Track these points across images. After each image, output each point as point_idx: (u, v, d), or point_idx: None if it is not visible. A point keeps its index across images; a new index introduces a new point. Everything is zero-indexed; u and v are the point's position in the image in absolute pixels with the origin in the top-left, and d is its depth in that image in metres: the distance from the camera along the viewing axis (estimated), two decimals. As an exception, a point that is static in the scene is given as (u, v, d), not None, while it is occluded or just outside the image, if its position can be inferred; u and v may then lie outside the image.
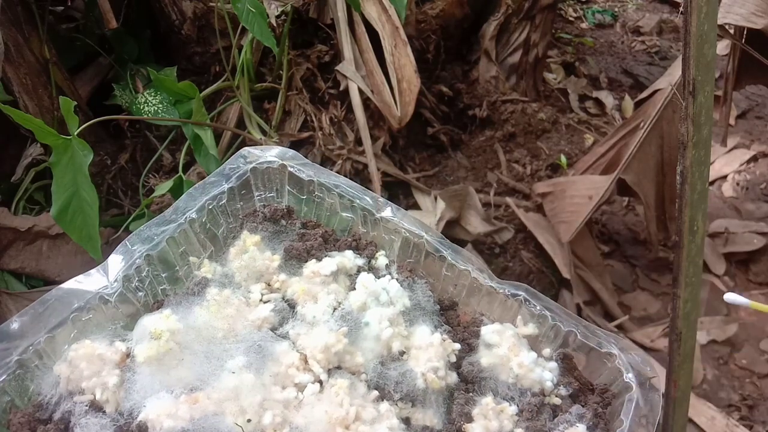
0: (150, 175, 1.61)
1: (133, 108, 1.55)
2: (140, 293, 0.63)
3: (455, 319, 0.67)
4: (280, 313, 0.62)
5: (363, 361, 0.60)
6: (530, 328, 0.64)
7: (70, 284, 0.60)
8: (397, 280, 0.65)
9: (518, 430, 0.57)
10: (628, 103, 2.32)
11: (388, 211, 0.70)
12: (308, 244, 0.68)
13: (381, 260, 0.69)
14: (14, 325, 0.56)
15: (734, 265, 1.86)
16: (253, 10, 1.28)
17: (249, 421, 0.53)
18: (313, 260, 0.67)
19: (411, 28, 1.81)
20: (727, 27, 1.39)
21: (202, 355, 0.57)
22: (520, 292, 0.65)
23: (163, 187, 1.41)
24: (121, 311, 0.62)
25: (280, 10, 1.61)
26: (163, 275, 0.65)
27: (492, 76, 2.05)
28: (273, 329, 0.61)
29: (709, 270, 1.81)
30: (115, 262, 0.62)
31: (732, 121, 2.26)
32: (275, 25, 1.60)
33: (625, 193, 1.78)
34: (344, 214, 0.72)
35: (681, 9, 0.79)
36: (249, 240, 0.67)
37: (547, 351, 0.64)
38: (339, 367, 0.59)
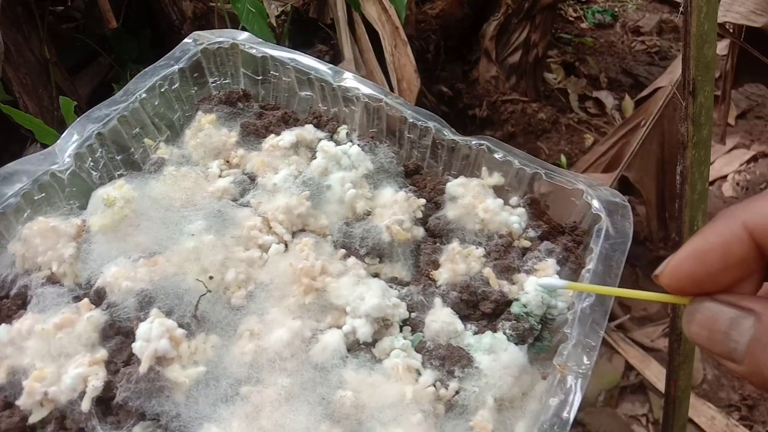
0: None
1: (133, 108, 1.55)
2: (95, 173, 0.61)
3: (421, 182, 0.66)
4: (241, 185, 0.61)
5: (328, 223, 0.59)
6: (495, 178, 0.63)
7: (14, 165, 0.57)
8: (358, 145, 0.64)
9: (487, 269, 0.56)
10: (628, 103, 2.32)
11: (346, 80, 0.67)
12: (266, 120, 0.67)
13: (343, 133, 0.67)
14: None
15: (734, 264, 1.85)
16: (253, 10, 1.28)
17: (211, 278, 0.52)
18: (272, 135, 0.65)
19: (411, 28, 1.81)
20: (726, 25, 1.39)
21: (159, 221, 0.55)
22: (483, 142, 0.63)
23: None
24: (76, 191, 0.59)
25: (280, 10, 1.61)
26: (118, 158, 0.64)
27: (492, 76, 2.05)
28: (233, 200, 0.60)
29: (709, 270, 1.80)
30: (65, 142, 0.60)
31: (732, 121, 2.25)
32: (275, 25, 1.60)
33: (626, 192, 1.78)
34: (303, 93, 0.70)
35: (681, 9, 0.79)
36: (204, 119, 0.66)
37: (514, 199, 0.63)
38: (303, 230, 0.59)
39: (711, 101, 0.83)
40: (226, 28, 1.50)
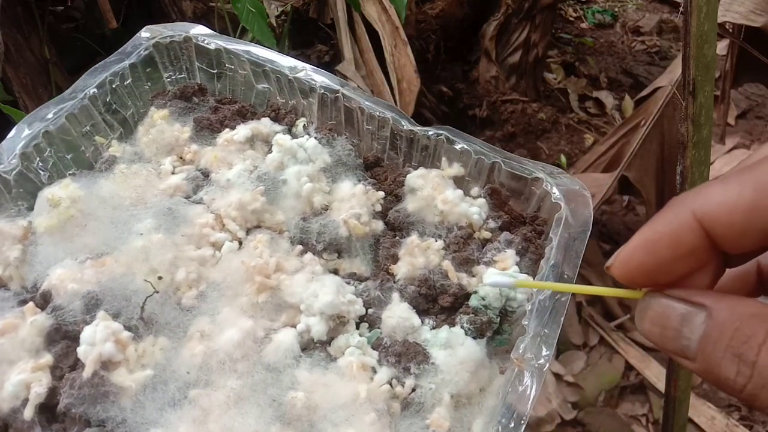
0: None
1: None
2: (44, 173, 0.59)
3: (382, 175, 0.64)
4: (194, 181, 0.60)
5: (284, 218, 0.57)
6: (455, 168, 0.61)
7: None
8: (315, 138, 0.62)
9: (445, 262, 0.55)
10: (628, 103, 2.32)
11: (303, 71, 0.66)
12: (221, 114, 0.65)
13: (301, 126, 0.66)
14: None
15: (734, 264, 1.85)
16: (253, 10, 1.28)
17: (160, 278, 0.50)
18: (227, 130, 0.63)
19: (411, 28, 1.81)
20: (726, 25, 1.39)
21: (107, 221, 0.54)
22: (441, 132, 0.62)
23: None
24: (24, 191, 0.58)
25: (280, 10, 1.61)
26: (68, 157, 0.61)
27: (492, 76, 2.05)
28: (186, 197, 0.58)
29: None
30: (11, 142, 0.58)
31: (732, 121, 2.25)
32: (275, 25, 1.61)
33: (626, 192, 1.78)
34: (260, 86, 0.68)
35: (681, 9, 0.79)
36: (156, 114, 0.64)
37: (475, 190, 0.61)
38: (259, 227, 0.57)
39: (711, 101, 0.83)
40: (226, 28, 1.50)
